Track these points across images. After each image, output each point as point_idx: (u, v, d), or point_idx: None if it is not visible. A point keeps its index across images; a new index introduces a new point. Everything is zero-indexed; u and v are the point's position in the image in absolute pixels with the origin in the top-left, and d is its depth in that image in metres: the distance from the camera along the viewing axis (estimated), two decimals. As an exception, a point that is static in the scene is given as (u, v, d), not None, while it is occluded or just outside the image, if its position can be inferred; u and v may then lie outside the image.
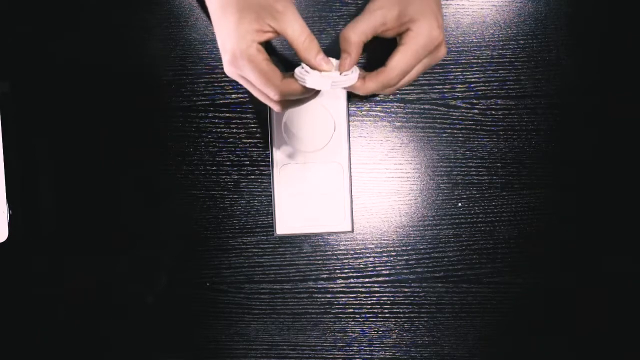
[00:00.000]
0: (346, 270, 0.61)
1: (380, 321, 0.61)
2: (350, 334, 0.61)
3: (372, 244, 0.61)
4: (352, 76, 0.43)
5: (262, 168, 0.61)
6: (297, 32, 0.41)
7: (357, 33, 0.42)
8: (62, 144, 0.61)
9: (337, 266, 0.61)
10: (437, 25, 0.42)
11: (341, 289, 0.61)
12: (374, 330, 0.61)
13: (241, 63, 0.41)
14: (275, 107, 0.45)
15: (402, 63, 0.42)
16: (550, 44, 0.59)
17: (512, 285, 0.61)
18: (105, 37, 0.60)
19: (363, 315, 0.61)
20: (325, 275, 0.61)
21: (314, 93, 0.45)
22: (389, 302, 0.61)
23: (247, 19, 0.40)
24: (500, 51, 0.60)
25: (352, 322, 0.61)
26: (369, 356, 0.62)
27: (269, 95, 0.43)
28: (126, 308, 0.62)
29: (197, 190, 0.61)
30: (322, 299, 0.61)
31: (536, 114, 0.60)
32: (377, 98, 0.60)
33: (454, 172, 0.60)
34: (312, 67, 0.42)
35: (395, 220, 0.61)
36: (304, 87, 0.42)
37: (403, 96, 0.60)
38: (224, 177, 0.61)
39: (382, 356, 0.62)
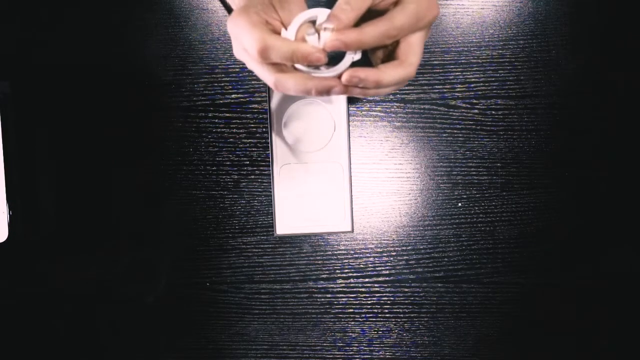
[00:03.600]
0: (346, 270, 0.61)
1: (380, 321, 0.61)
2: (350, 334, 0.61)
3: (372, 244, 0.61)
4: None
5: (262, 168, 0.61)
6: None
7: (352, 8, 0.38)
8: (62, 144, 0.61)
9: (337, 266, 0.61)
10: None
11: (341, 289, 0.61)
12: (374, 330, 0.61)
13: (235, 20, 0.39)
14: (268, 78, 0.40)
15: (402, 16, 0.39)
16: (550, 44, 0.59)
17: (512, 285, 0.61)
18: (105, 37, 0.60)
19: (363, 315, 0.61)
20: (325, 275, 0.61)
21: (306, 80, 0.40)
22: (389, 302, 0.61)
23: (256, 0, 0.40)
24: (500, 51, 0.60)
25: (352, 322, 0.61)
26: (369, 356, 0.62)
27: (249, 49, 0.39)
28: (126, 308, 0.62)
29: (197, 190, 0.61)
30: (322, 299, 0.61)
31: (536, 114, 0.60)
32: (377, 98, 0.60)
33: (454, 172, 0.60)
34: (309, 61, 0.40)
35: (395, 220, 0.61)
36: (290, 48, 0.38)
37: (403, 96, 0.60)
38: (224, 177, 0.61)
39: (382, 356, 0.62)
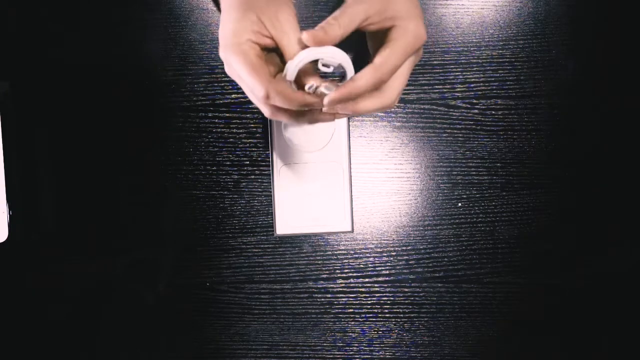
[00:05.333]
0: (346, 270, 0.61)
1: (380, 321, 0.61)
2: (350, 334, 0.61)
3: (372, 244, 0.61)
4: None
5: (262, 168, 0.61)
6: (290, 44, 0.41)
7: (340, 25, 0.40)
8: (62, 144, 0.61)
9: (337, 266, 0.61)
10: (422, 23, 0.41)
11: (341, 289, 0.61)
12: (374, 330, 0.61)
13: (231, 56, 0.41)
14: (265, 110, 0.43)
15: (392, 58, 0.40)
16: (550, 44, 0.59)
17: (512, 285, 0.61)
18: (105, 37, 0.60)
19: (363, 315, 0.61)
20: (325, 275, 0.61)
21: (307, 113, 0.43)
22: (389, 302, 0.61)
23: (248, 19, 0.41)
24: (500, 51, 0.60)
25: (352, 322, 0.61)
26: (369, 356, 0.62)
27: (255, 92, 0.41)
28: (126, 308, 0.62)
29: (197, 190, 0.61)
30: (322, 299, 0.61)
31: (536, 114, 0.60)
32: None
33: (454, 172, 0.60)
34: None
35: (395, 220, 0.61)
36: (294, 92, 0.41)
37: (403, 96, 0.60)
38: (224, 177, 0.61)
39: (382, 356, 0.62)
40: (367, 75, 0.40)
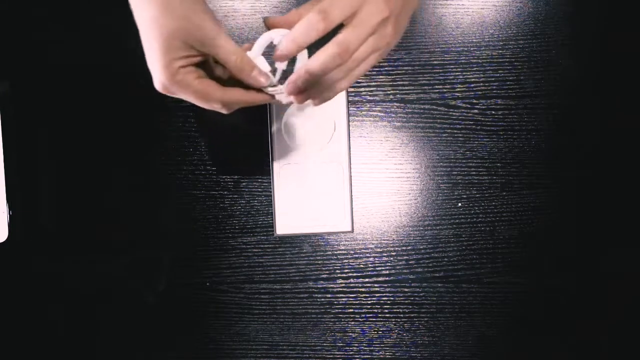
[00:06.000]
0: (346, 270, 0.61)
1: (380, 321, 0.61)
2: (350, 334, 0.61)
3: (372, 244, 0.61)
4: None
5: (262, 168, 0.61)
6: (228, 53, 0.39)
7: (298, 13, 0.40)
8: (62, 143, 0.61)
9: (337, 266, 0.61)
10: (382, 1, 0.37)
11: (341, 289, 0.61)
12: (374, 330, 0.61)
13: (172, 90, 0.40)
14: (222, 111, 0.43)
15: (352, 35, 0.37)
16: (550, 44, 0.59)
17: (512, 285, 0.61)
18: (105, 37, 0.60)
19: (363, 315, 0.61)
20: (325, 275, 0.61)
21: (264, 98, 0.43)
22: (389, 302, 0.61)
23: (172, 46, 0.38)
24: (500, 51, 0.60)
25: (352, 322, 0.61)
26: (369, 356, 0.62)
27: (213, 108, 0.42)
28: (126, 308, 0.62)
29: (197, 190, 0.61)
30: (322, 299, 0.61)
31: (536, 114, 0.60)
32: (377, 98, 0.60)
33: (454, 172, 0.60)
34: (251, 84, 0.42)
35: (395, 220, 0.61)
36: (248, 94, 0.42)
37: (403, 96, 0.60)
38: (224, 177, 0.61)
39: (382, 356, 0.62)
40: (323, 52, 0.37)
